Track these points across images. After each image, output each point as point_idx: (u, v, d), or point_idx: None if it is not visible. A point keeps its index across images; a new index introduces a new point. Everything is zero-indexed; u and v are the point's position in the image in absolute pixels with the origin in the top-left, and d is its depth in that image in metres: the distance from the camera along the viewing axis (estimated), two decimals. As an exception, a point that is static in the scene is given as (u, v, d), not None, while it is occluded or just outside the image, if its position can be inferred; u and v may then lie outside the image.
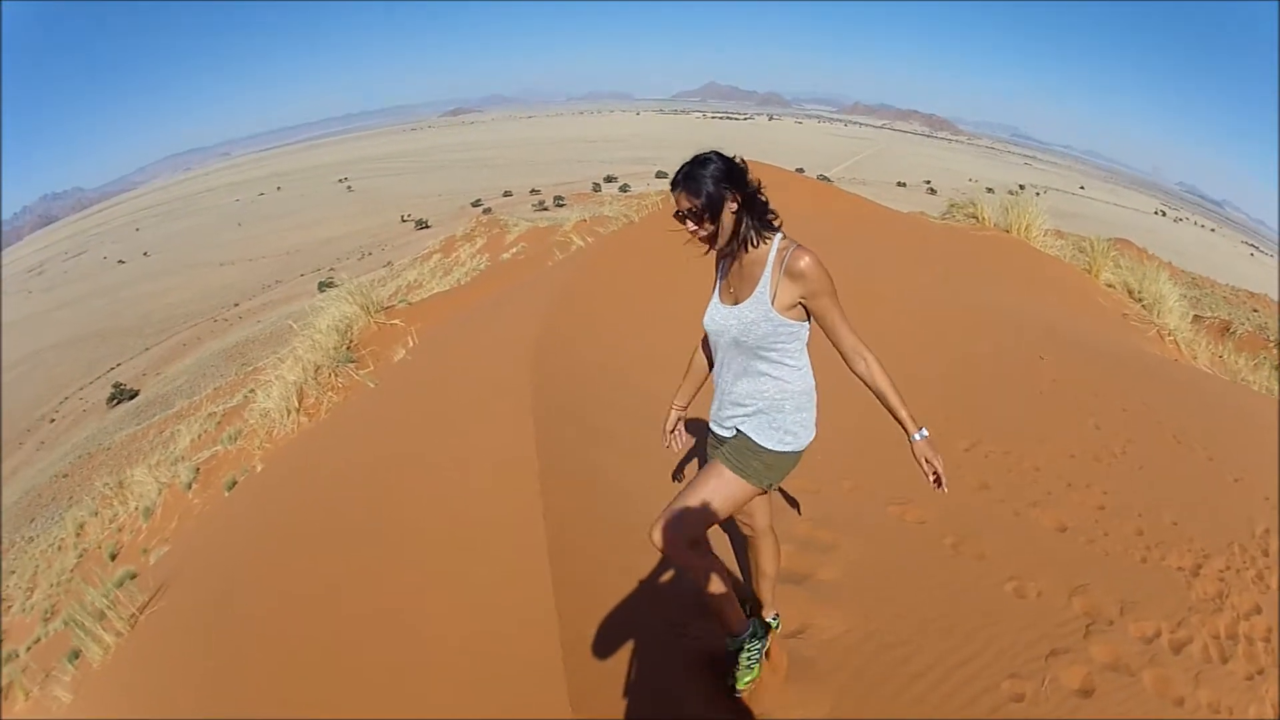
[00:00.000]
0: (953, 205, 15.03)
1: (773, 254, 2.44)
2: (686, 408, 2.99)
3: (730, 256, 2.53)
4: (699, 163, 2.37)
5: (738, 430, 2.59)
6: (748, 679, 2.80)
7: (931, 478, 2.47)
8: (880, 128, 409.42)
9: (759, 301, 2.44)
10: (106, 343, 80.00)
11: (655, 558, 3.31)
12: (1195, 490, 4.99)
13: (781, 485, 2.91)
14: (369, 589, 4.05)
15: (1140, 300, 11.34)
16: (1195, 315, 11.38)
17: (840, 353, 2.48)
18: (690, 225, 2.42)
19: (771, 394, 2.52)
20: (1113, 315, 10.39)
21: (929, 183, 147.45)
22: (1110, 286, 11.77)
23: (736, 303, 2.51)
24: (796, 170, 21.64)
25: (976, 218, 13.71)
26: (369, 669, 3.36)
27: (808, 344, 2.55)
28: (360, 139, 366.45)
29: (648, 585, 3.24)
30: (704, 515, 2.51)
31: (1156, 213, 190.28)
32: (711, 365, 2.79)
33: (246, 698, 3.91)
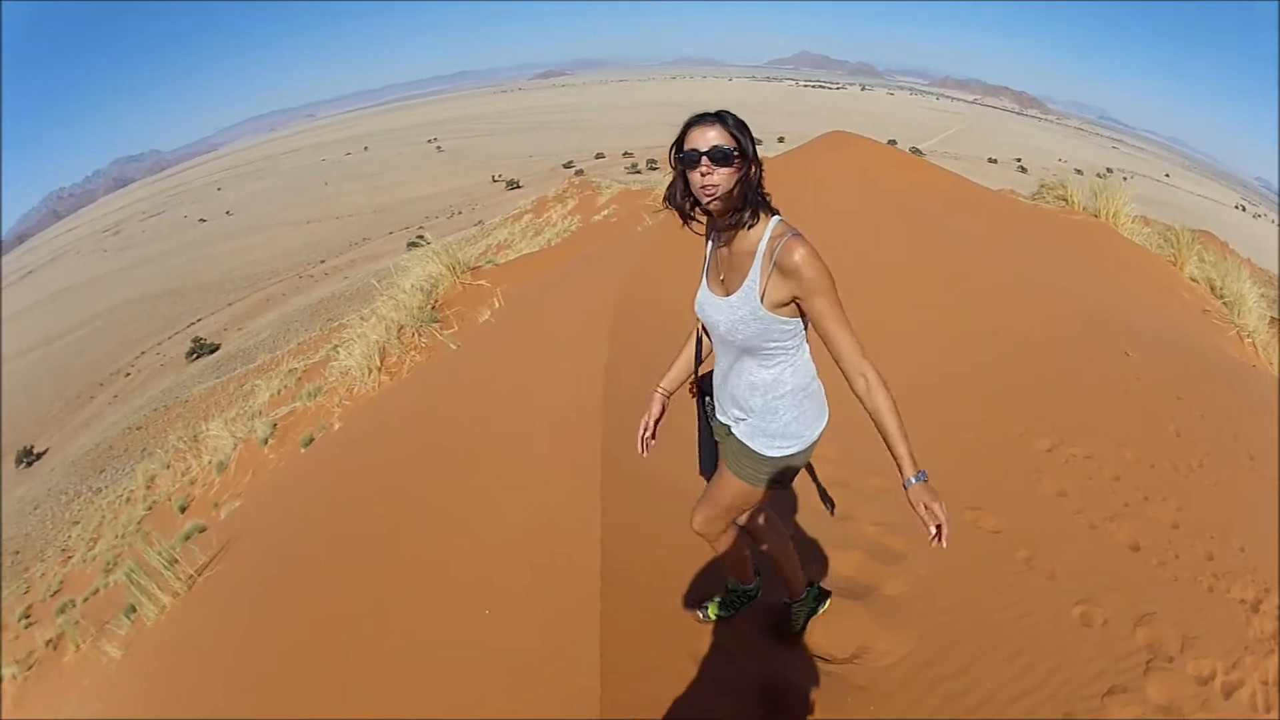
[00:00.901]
0: (1043, 186, 14.53)
1: (764, 242, 2.09)
2: (672, 393, 2.57)
3: (725, 233, 2.19)
4: (727, 112, 2.06)
5: (734, 432, 2.36)
6: (715, 613, 2.93)
7: (932, 529, 2.01)
8: (972, 103, 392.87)
9: (747, 297, 2.12)
10: (186, 299, 77.56)
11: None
12: (1265, 515, 4.66)
13: (826, 486, 2.68)
14: (431, 533, 4.06)
15: (1222, 297, 10.68)
16: (1272, 318, 10.67)
17: (837, 364, 2.10)
18: (705, 168, 2.01)
19: (763, 396, 2.24)
20: (1195, 311, 9.81)
21: (1019, 160, 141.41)
22: (1194, 280, 11.13)
23: (727, 293, 2.20)
24: (889, 142, 21.16)
25: (1066, 200, 13.23)
26: (429, 611, 3.38)
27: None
28: (449, 100, 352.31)
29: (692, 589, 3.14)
30: (723, 513, 2.51)
31: (1237, 206, 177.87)
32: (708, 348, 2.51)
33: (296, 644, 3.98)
